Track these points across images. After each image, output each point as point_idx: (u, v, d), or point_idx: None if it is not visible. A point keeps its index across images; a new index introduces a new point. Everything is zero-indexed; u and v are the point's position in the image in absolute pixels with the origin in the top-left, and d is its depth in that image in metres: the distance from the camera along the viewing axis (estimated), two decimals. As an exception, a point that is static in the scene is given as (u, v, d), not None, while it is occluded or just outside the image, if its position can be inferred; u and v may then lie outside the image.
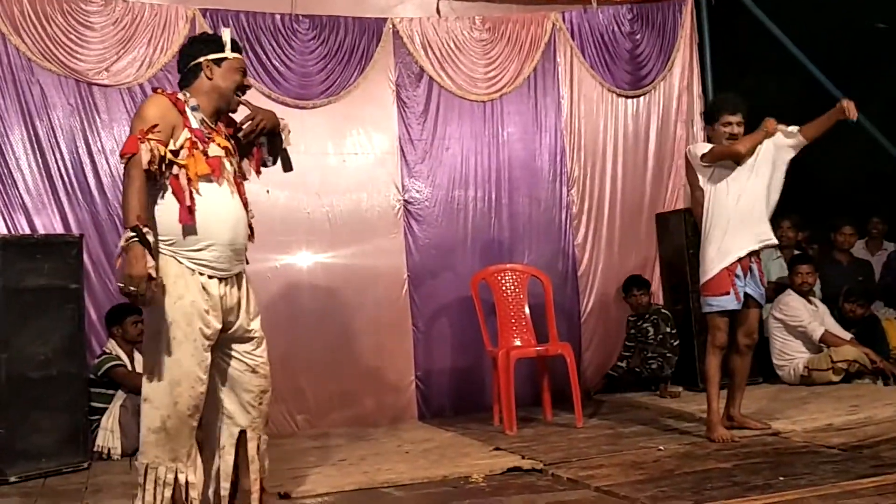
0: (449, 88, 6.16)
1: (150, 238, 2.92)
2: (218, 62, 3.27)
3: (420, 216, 6.04)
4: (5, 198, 5.15)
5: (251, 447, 3.30)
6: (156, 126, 3.04)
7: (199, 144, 3.13)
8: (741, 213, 4.42)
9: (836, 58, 6.90)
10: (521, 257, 6.14)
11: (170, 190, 3.07)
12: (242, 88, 3.33)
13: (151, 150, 3.00)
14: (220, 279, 3.16)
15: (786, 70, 6.58)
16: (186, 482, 3.10)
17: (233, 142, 3.33)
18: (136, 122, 3.08)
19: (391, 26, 6.03)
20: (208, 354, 3.12)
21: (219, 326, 3.15)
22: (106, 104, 5.40)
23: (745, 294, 4.47)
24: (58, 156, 5.28)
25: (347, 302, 5.80)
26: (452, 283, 5.96)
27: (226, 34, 3.32)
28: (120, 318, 5.12)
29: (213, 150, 3.18)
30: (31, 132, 5.23)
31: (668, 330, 6.02)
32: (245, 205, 3.30)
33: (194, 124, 3.18)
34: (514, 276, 5.65)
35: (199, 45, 3.34)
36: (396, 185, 5.99)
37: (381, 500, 3.69)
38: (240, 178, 3.33)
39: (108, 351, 5.09)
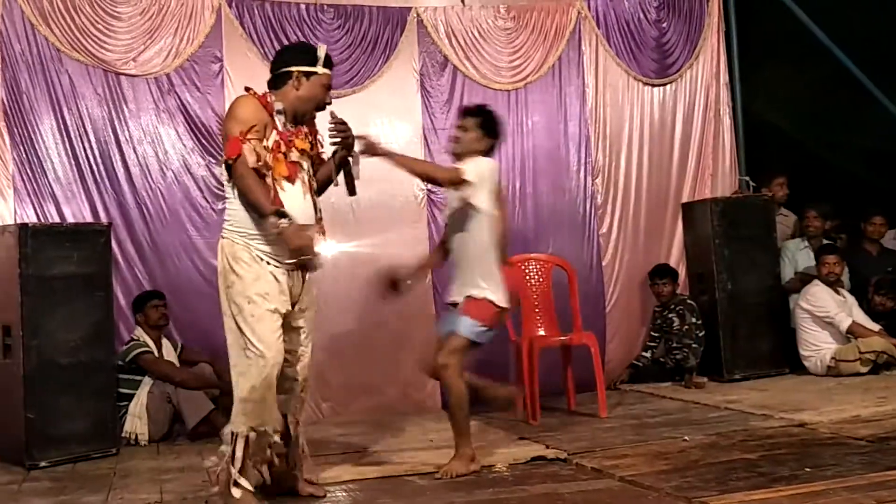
0: (473, 77, 6.15)
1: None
2: (308, 75, 3.49)
3: (444, 205, 6.00)
4: (35, 186, 5.22)
5: (292, 430, 3.54)
6: (254, 126, 3.31)
7: (282, 147, 3.39)
8: None
9: (865, 45, 6.79)
10: (545, 247, 6.12)
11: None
12: (322, 106, 3.56)
13: (255, 150, 3.28)
14: (287, 271, 3.41)
15: (815, 58, 6.50)
16: (271, 446, 3.38)
17: (311, 141, 3.59)
18: (232, 124, 3.33)
19: (415, 15, 6.02)
20: (282, 330, 3.38)
21: (288, 308, 3.41)
22: (133, 94, 5.45)
23: None
24: (86, 145, 5.34)
25: (370, 291, 5.80)
26: (476, 273, 5.95)
27: (321, 49, 3.54)
28: (142, 305, 5.18)
29: (293, 154, 3.43)
30: (61, 121, 5.29)
31: (694, 320, 5.98)
32: (315, 204, 3.57)
33: (279, 127, 3.44)
34: (539, 266, 5.64)
35: (293, 54, 3.61)
36: (420, 174, 5.98)
37: (405, 489, 3.70)
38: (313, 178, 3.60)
39: (135, 338, 5.15)
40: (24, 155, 5.21)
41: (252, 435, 3.31)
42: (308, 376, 3.59)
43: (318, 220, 3.61)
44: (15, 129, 5.19)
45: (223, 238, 3.43)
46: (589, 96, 6.40)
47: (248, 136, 3.29)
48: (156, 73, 5.47)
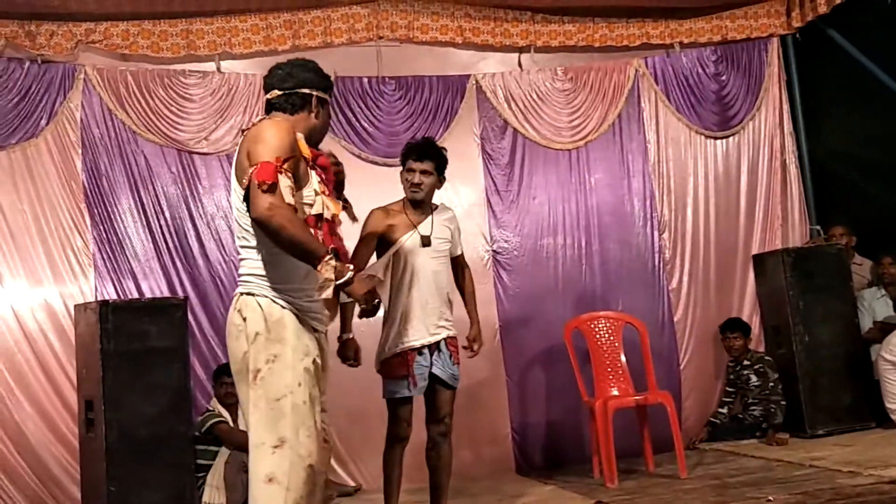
0: (533, 139, 6.22)
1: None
2: (323, 102, 2.98)
3: (509, 265, 6.06)
4: (115, 264, 5.41)
5: None
6: (290, 158, 2.67)
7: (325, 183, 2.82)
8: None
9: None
10: (614, 304, 6.07)
11: None
12: (319, 141, 3.01)
13: (290, 187, 2.65)
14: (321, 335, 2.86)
15: (879, 103, 6.39)
16: None
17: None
18: (261, 147, 2.64)
19: (474, 82, 6.15)
20: None
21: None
22: (206, 171, 5.66)
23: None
24: (162, 222, 5.54)
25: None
26: (544, 332, 5.93)
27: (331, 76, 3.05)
28: (215, 379, 5.29)
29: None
30: (138, 200, 5.51)
31: (776, 377, 5.85)
32: None
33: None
34: (609, 324, 5.59)
35: (312, 76, 2.98)
36: (485, 235, 6.04)
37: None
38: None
39: (211, 408, 5.23)
40: (104, 234, 5.42)
41: None
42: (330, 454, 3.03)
43: None
44: (95, 210, 5.42)
45: (253, 295, 2.74)
46: (651, 151, 6.40)
47: (284, 168, 2.62)
48: (227, 150, 5.66)
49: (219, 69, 5.74)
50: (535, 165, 6.21)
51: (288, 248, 2.62)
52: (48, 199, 5.36)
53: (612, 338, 5.53)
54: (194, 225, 5.58)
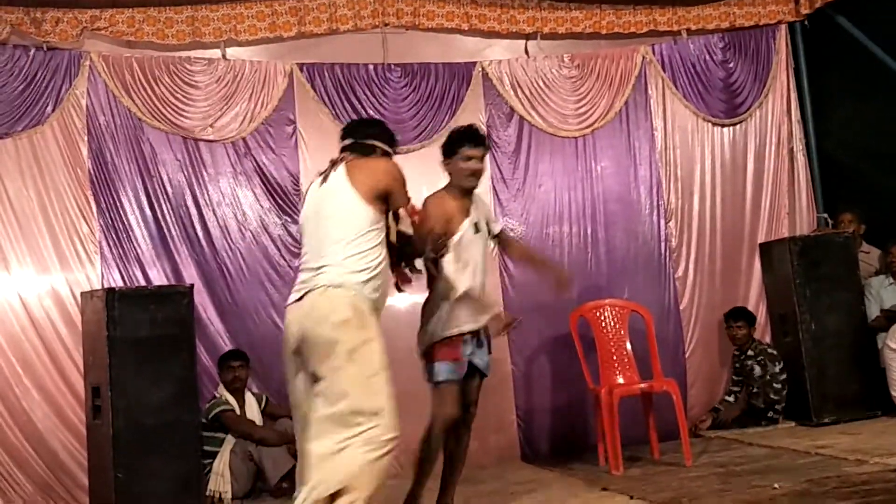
0: (540, 126, 6.19)
1: None
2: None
3: (517, 256, 6.04)
4: (121, 251, 5.42)
5: None
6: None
7: None
8: None
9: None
10: (620, 292, 6.05)
11: (383, 242, 3.37)
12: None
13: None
14: None
15: (889, 90, 6.35)
16: None
17: None
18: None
19: (480, 69, 6.12)
20: None
21: None
22: (212, 158, 5.65)
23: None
24: (168, 209, 5.54)
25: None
26: (550, 321, 5.91)
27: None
28: (220, 365, 5.30)
29: None
30: (143, 188, 5.50)
31: (776, 370, 5.86)
32: None
33: None
34: (614, 312, 5.58)
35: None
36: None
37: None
38: None
39: (217, 395, 5.25)
40: (110, 221, 5.42)
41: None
42: None
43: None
44: (101, 198, 5.42)
45: (342, 287, 3.23)
46: (658, 139, 6.37)
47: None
48: (232, 138, 5.66)
49: (224, 56, 5.73)
50: (542, 153, 6.19)
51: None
52: (54, 186, 5.36)
53: (617, 326, 5.53)
54: (200, 212, 5.58)
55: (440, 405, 3.94)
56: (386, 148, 3.60)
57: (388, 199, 3.37)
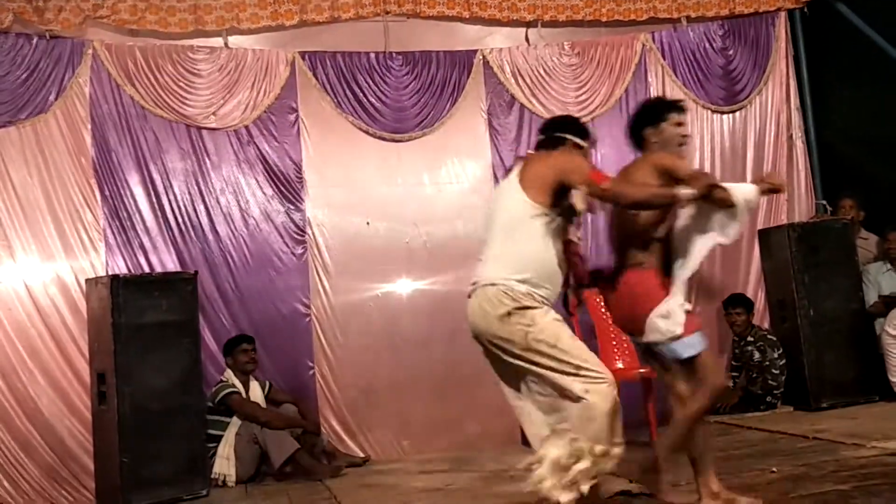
0: (540, 114, 6.21)
1: None
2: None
3: (515, 240, 6.08)
4: (125, 239, 5.47)
5: None
6: None
7: None
8: None
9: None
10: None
11: (553, 234, 3.35)
12: None
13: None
14: None
15: (888, 78, 6.37)
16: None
17: None
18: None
19: (481, 57, 6.15)
20: None
21: None
22: (215, 146, 5.69)
23: None
24: (171, 197, 5.58)
25: (447, 328, 5.88)
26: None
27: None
28: (231, 349, 5.34)
29: None
30: (147, 176, 5.55)
31: (775, 356, 5.91)
32: None
33: None
34: (614, 298, 5.61)
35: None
36: (492, 211, 6.06)
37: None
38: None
39: (224, 379, 5.30)
40: (114, 209, 5.47)
41: (595, 455, 3.23)
42: None
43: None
44: (105, 185, 5.47)
45: (496, 286, 3.31)
46: (658, 126, 6.38)
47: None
48: (235, 126, 5.70)
49: (226, 44, 5.76)
50: (542, 141, 6.21)
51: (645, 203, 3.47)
52: (58, 174, 5.40)
53: (617, 312, 5.56)
54: (203, 200, 5.62)
55: (713, 374, 3.67)
56: (577, 140, 3.57)
57: (560, 191, 3.34)
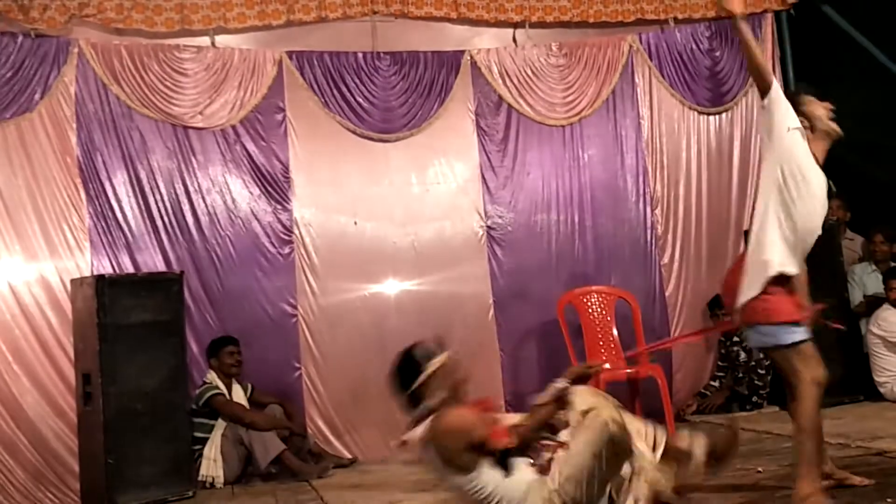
0: (528, 115, 6.23)
1: None
2: None
3: (503, 241, 6.10)
4: (110, 238, 5.43)
5: None
6: None
7: None
8: None
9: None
10: (606, 279, 6.11)
11: None
12: None
13: None
14: None
15: (874, 80, 6.41)
16: None
17: None
18: None
19: (469, 58, 6.15)
20: None
21: None
22: (201, 146, 5.66)
23: None
24: (157, 196, 5.55)
25: (434, 328, 5.85)
26: (538, 307, 5.97)
27: None
28: (216, 350, 5.32)
29: None
30: (133, 175, 5.52)
31: (760, 356, 5.93)
32: None
33: None
34: (601, 299, 5.64)
35: None
36: (479, 211, 6.07)
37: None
38: None
39: (207, 381, 5.28)
40: (100, 209, 5.43)
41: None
42: None
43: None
44: (90, 185, 5.43)
45: None
46: (644, 128, 6.42)
47: None
48: (222, 126, 5.67)
49: (213, 44, 5.73)
50: (530, 141, 6.23)
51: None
52: (43, 174, 5.36)
53: (604, 312, 5.59)
54: (190, 200, 5.60)
55: (804, 368, 3.67)
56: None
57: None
